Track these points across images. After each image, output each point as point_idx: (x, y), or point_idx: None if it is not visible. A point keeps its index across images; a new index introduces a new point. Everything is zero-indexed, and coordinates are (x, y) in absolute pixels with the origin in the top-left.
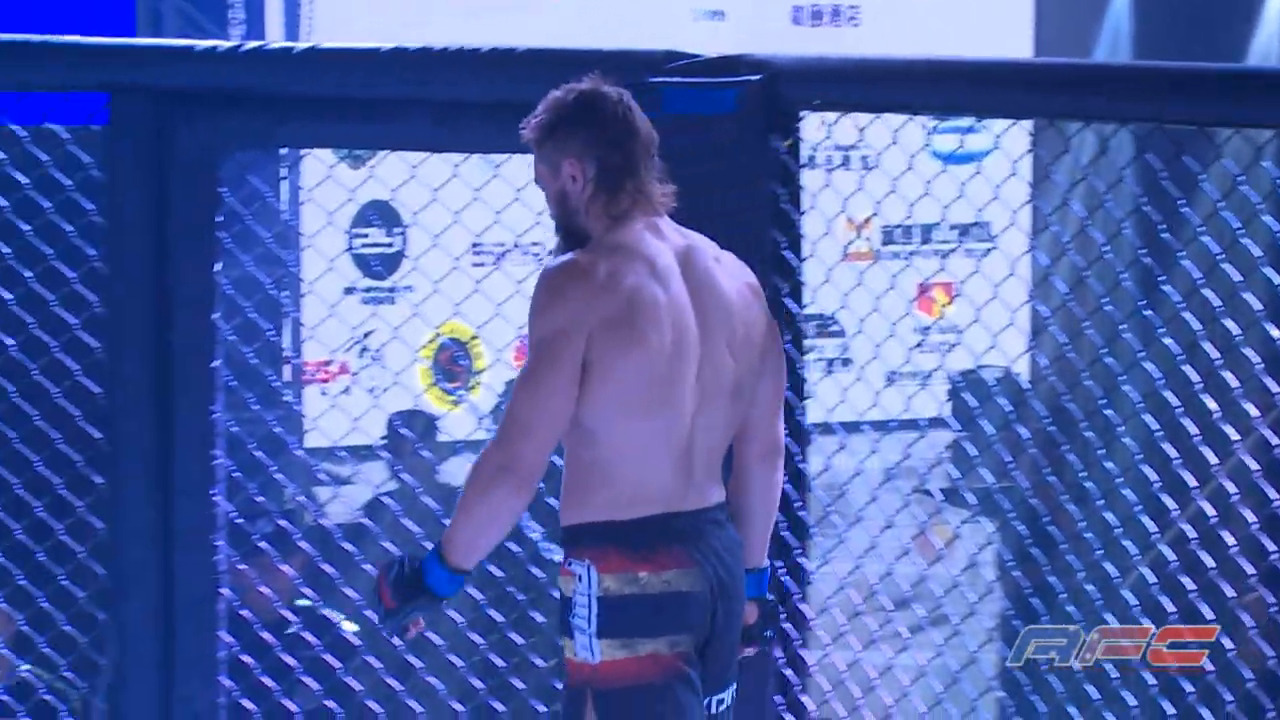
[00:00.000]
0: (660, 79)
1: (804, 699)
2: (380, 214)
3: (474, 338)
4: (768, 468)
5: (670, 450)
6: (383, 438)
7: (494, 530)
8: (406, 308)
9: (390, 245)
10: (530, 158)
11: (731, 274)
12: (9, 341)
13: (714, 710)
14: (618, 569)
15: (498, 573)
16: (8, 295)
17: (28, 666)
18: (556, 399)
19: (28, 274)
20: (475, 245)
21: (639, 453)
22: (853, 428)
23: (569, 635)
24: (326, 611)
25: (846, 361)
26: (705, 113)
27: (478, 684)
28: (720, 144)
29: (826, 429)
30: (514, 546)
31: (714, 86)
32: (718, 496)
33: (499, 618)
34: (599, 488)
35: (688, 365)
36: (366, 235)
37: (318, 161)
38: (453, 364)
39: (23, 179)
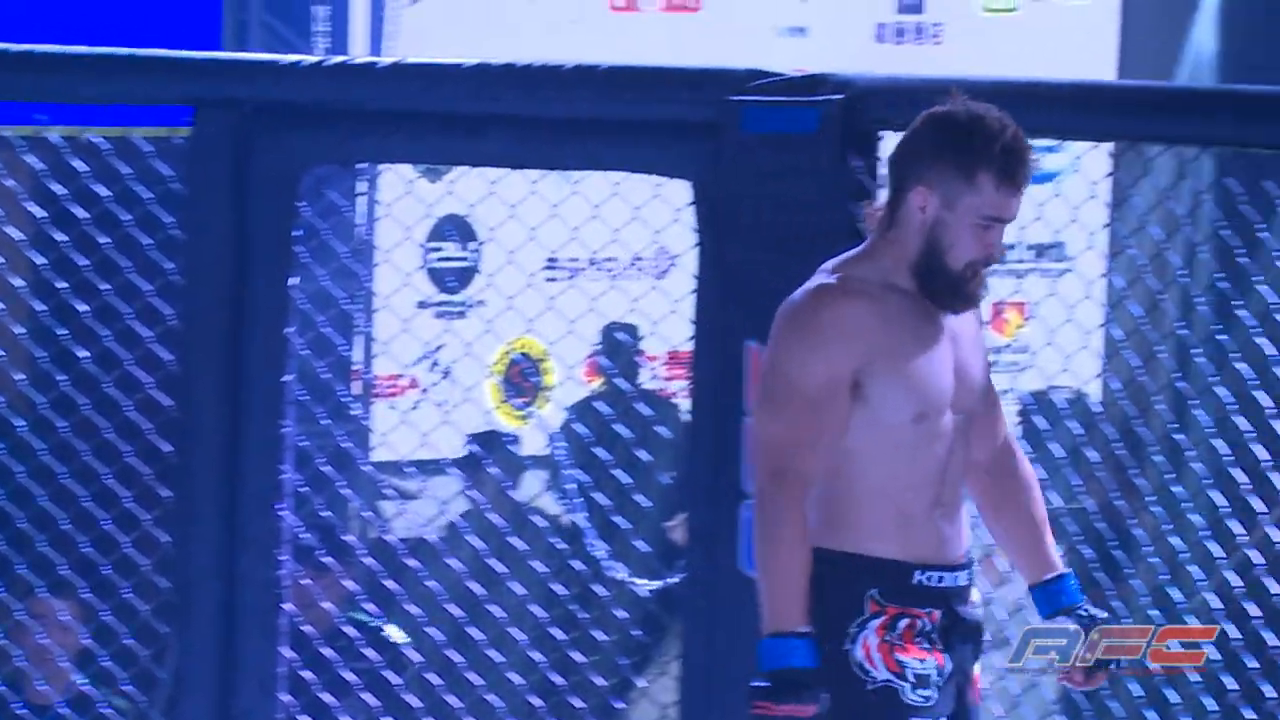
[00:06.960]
0: (742, 97)
1: None
2: (456, 228)
3: (545, 354)
4: None
5: None
6: (456, 459)
7: None
8: (478, 323)
9: (465, 260)
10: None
11: None
12: (83, 354)
13: None
14: None
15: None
16: (84, 307)
17: (85, 681)
18: None
19: (105, 286)
20: (550, 261)
21: None
22: None
23: None
24: (386, 627)
25: None
26: (787, 131)
27: (536, 701)
28: (799, 163)
29: None
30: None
31: (797, 105)
32: None
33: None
34: None
35: None
36: (441, 249)
37: (396, 176)
38: (522, 379)
39: (104, 191)
